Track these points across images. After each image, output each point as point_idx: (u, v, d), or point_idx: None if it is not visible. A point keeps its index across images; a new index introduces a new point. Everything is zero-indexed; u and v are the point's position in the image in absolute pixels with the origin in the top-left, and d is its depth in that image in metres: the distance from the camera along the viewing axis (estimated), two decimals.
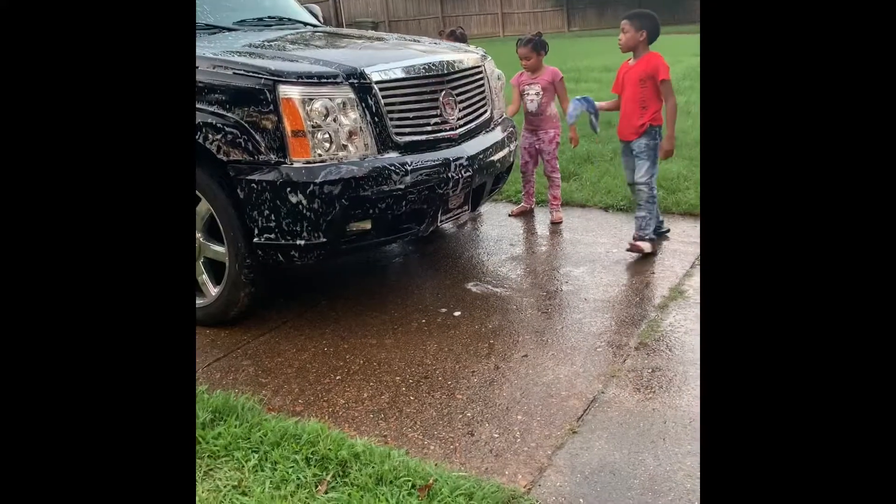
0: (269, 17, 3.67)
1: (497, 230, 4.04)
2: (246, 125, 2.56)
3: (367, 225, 2.75)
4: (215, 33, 3.24)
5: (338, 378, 2.49)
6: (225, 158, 2.60)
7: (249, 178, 2.59)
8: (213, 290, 2.84)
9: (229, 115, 2.58)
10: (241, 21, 3.47)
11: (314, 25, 3.91)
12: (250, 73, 2.58)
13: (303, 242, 2.63)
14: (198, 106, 2.63)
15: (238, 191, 2.61)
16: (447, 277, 3.41)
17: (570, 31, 21.65)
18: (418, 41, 3.55)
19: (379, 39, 3.60)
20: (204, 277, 2.86)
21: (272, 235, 2.63)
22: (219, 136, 2.59)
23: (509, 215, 4.28)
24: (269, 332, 2.86)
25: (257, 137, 2.56)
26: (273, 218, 2.60)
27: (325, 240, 2.64)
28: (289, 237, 2.62)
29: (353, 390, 2.41)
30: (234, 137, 2.57)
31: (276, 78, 2.54)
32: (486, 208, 4.28)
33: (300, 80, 2.58)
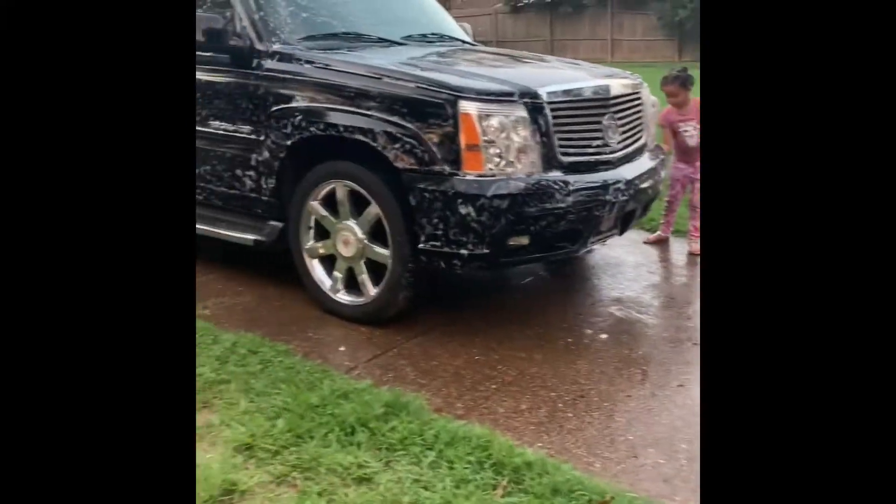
0: (433, 34, 3.83)
1: (634, 257, 4.01)
2: (423, 136, 2.68)
3: (526, 240, 2.80)
4: (387, 47, 3.40)
5: (493, 387, 2.55)
6: (400, 166, 2.72)
7: (422, 186, 2.70)
8: (372, 291, 2.97)
9: (408, 125, 2.71)
10: (408, 36, 3.63)
11: (471, 43, 4.04)
12: (432, 87, 2.70)
13: (466, 252, 2.71)
14: (377, 115, 2.77)
15: (410, 197, 2.73)
16: (588, 299, 3.42)
17: (681, 60, 21.22)
18: (578, 64, 3.61)
19: (541, 60, 3.68)
20: (364, 277, 2.99)
21: (438, 243, 2.73)
22: (396, 145, 2.72)
23: (644, 242, 4.24)
24: (421, 336, 2.95)
25: (433, 148, 2.67)
26: (441, 226, 2.70)
27: (487, 251, 2.72)
28: (454, 246, 2.71)
29: (510, 401, 2.45)
30: (412, 147, 2.69)
31: (457, 94, 2.65)
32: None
33: (479, 96, 2.68)
